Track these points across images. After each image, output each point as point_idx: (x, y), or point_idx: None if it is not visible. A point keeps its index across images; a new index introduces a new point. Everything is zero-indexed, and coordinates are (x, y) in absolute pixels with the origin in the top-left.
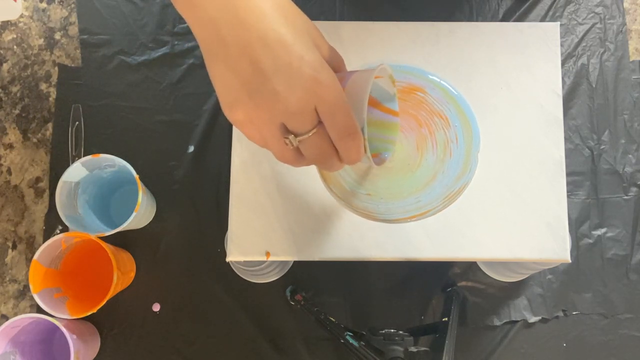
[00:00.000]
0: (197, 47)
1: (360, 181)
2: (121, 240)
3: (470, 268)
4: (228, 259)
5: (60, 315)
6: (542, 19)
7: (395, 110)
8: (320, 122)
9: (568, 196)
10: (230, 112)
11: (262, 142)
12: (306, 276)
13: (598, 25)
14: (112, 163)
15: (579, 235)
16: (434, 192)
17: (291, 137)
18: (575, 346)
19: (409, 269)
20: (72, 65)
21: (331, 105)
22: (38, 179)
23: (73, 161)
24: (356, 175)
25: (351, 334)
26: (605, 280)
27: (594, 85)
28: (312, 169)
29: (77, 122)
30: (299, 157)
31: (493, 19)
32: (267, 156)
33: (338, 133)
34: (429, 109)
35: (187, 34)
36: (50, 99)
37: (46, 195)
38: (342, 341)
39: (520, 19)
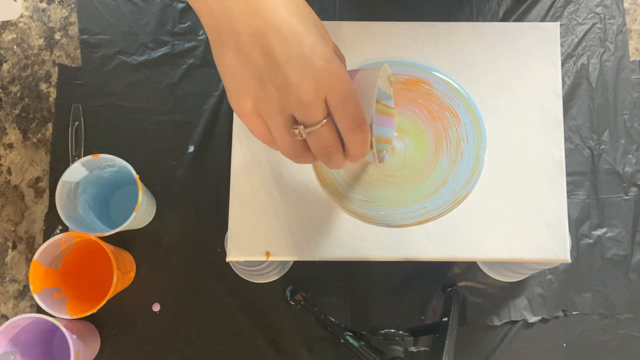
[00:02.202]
0: (197, 47)
1: (355, 187)
2: (121, 240)
3: (470, 268)
4: (228, 259)
5: (60, 315)
6: (542, 19)
7: (392, 106)
8: (329, 114)
9: (568, 196)
10: (237, 102)
11: (267, 135)
12: (306, 276)
13: (598, 25)
14: (112, 163)
15: (579, 235)
16: (442, 198)
17: (300, 127)
18: (575, 346)
19: (409, 269)
20: (72, 65)
21: (342, 96)
22: (38, 179)
23: (73, 161)
24: (352, 180)
25: (351, 334)
26: (605, 280)
27: (594, 85)
28: (311, 170)
29: (77, 122)
30: (305, 150)
31: (493, 19)
32: (267, 156)
33: (348, 124)
34: (439, 102)
35: (187, 34)
36: (50, 99)
37: (46, 195)
38: (342, 341)
39: (520, 18)
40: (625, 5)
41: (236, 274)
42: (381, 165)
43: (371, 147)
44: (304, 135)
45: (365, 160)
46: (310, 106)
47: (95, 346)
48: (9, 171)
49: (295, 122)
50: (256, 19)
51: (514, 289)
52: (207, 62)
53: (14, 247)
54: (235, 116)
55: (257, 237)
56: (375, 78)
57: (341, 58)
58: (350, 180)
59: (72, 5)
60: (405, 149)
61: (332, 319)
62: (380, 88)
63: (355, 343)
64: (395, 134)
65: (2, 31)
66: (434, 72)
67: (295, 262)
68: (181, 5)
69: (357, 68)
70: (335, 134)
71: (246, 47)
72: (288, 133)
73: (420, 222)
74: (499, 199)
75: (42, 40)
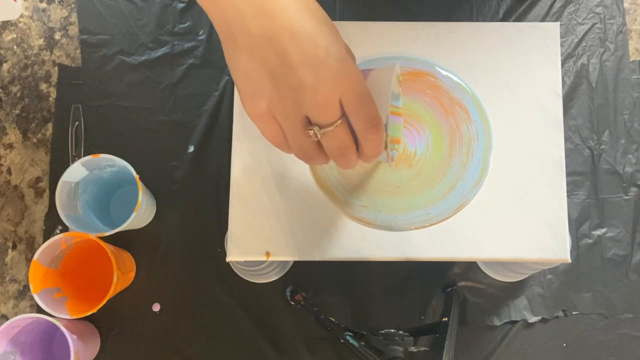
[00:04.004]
0: (197, 47)
1: (353, 192)
2: (121, 240)
3: (470, 268)
4: (228, 259)
5: (60, 315)
6: (542, 19)
7: (400, 106)
8: (343, 115)
9: (568, 196)
10: (251, 104)
11: (279, 137)
12: (306, 276)
13: (598, 25)
14: (112, 163)
15: (579, 235)
16: (448, 203)
17: (315, 128)
18: (575, 346)
19: (409, 269)
20: (72, 65)
21: (357, 96)
22: (38, 179)
23: (73, 161)
24: (349, 186)
25: (351, 334)
26: (605, 280)
27: (594, 85)
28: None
29: (77, 122)
30: (318, 152)
31: (493, 19)
32: (267, 156)
33: (363, 124)
34: (448, 96)
35: (187, 34)
36: (50, 99)
37: (46, 195)
38: (342, 341)
39: (520, 18)
40: (625, 5)
41: (236, 274)
42: (392, 165)
43: (385, 146)
44: (318, 136)
45: (377, 160)
46: (325, 107)
47: (95, 346)
48: (9, 171)
49: (309, 123)
50: (269, 20)
51: (514, 289)
52: (207, 62)
53: (14, 247)
54: (235, 116)
55: (257, 237)
56: (389, 78)
57: (352, 56)
58: (348, 186)
59: (72, 5)
60: (427, 147)
61: (332, 319)
62: None
63: (355, 343)
64: (415, 121)
65: (2, 31)
66: (437, 67)
67: (295, 262)
68: (181, 5)
69: (369, 67)
70: (350, 135)
71: (260, 49)
72: (302, 134)
73: (422, 227)
74: (499, 199)
75: (42, 40)
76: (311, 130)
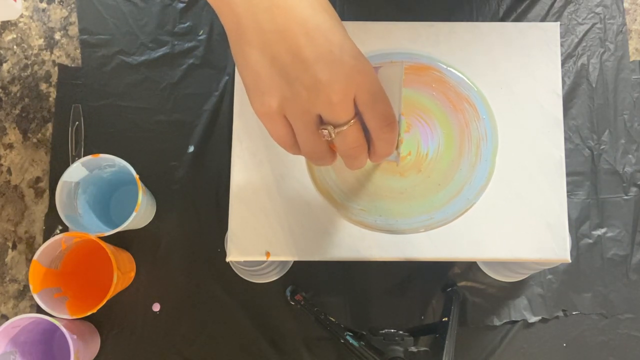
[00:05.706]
0: (197, 47)
1: (351, 196)
2: (121, 240)
3: (470, 268)
4: (228, 259)
5: (60, 315)
6: (542, 19)
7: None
8: (356, 114)
9: (568, 196)
10: (261, 102)
11: (289, 137)
12: (306, 276)
13: (598, 25)
14: (112, 163)
15: (579, 235)
16: (453, 208)
17: (330, 127)
18: (575, 346)
19: (409, 269)
20: (72, 65)
21: (372, 94)
22: (38, 179)
23: (73, 161)
24: (348, 189)
25: (351, 334)
26: (605, 280)
27: (594, 85)
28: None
29: (77, 122)
30: (328, 152)
31: (493, 18)
32: (267, 156)
33: (378, 122)
34: (455, 91)
35: (187, 34)
36: (50, 99)
37: (46, 195)
38: (342, 341)
39: (520, 18)
40: (625, 5)
41: (236, 274)
42: (400, 165)
43: (397, 146)
44: (333, 136)
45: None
46: (340, 106)
47: (95, 346)
48: (9, 171)
49: (321, 122)
50: (281, 16)
51: (514, 289)
52: (207, 62)
53: (14, 247)
54: (235, 116)
55: (257, 237)
56: (400, 76)
57: None
58: (346, 189)
59: (72, 5)
60: (438, 146)
61: (332, 319)
62: None
63: (355, 343)
64: (425, 115)
65: (2, 31)
66: (438, 63)
67: (295, 262)
68: (181, 5)
69: (376, 65)
70: (363, 134)
71: (272, 45)
72: (314, 134)
73: (423, 231)
74: (499, 199)
75: (42, 40)
76: (325, 129)
